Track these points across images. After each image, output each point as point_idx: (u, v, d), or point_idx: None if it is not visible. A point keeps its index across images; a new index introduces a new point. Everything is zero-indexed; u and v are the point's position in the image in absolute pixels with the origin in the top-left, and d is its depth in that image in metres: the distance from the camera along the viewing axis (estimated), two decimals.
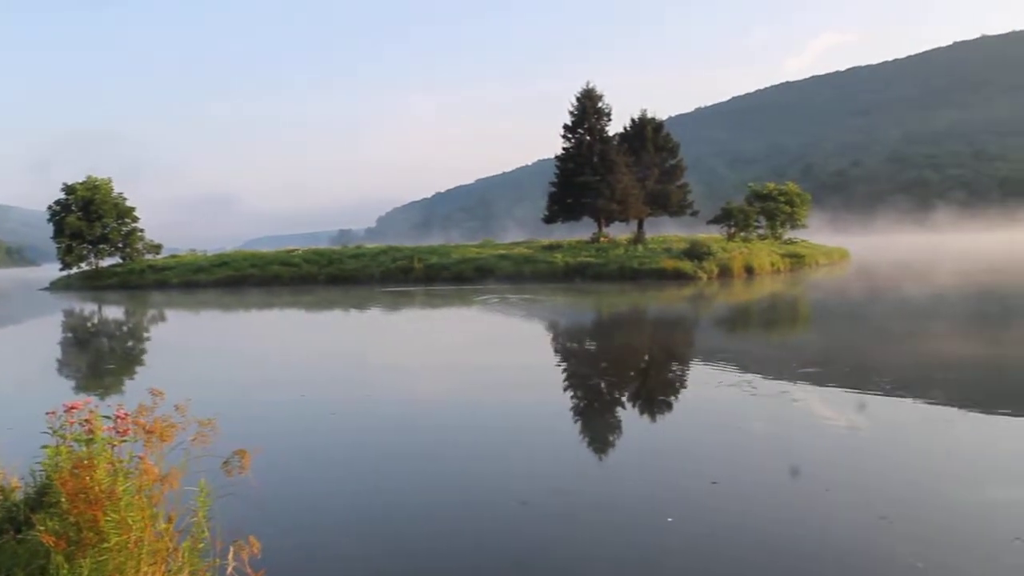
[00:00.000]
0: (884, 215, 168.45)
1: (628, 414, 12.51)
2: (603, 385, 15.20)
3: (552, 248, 53.23)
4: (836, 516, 7.28)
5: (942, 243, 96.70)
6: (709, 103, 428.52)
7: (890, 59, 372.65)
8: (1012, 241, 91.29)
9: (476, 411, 12.79)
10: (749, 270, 45.94)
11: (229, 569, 4.72)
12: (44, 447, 4.92)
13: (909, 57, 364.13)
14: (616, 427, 11.54)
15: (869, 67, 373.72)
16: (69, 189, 62.75)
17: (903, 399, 12.20)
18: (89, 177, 63.48)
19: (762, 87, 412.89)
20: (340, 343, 23.76)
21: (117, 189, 64.62)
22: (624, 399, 13.74)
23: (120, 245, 63.84)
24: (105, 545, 4.18)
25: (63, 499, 4.27)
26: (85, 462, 4.43)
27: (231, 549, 4.70)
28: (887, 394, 12.54)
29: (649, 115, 62.05)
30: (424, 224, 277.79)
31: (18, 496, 5.41)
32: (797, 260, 52.91)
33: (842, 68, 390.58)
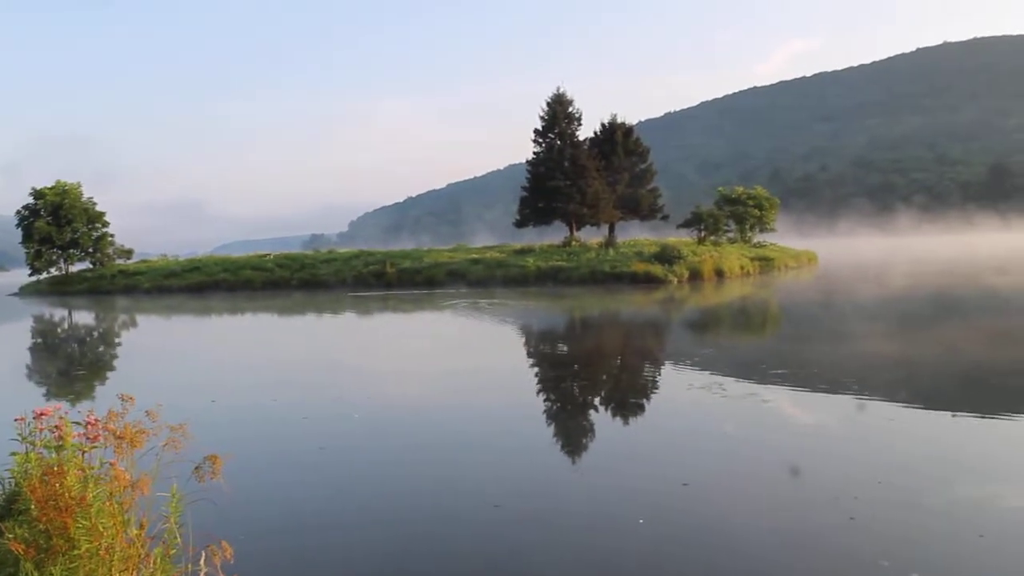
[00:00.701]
0: (850, 218, 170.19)
1: (600, 417, 12.58)
2: (575, 388, 15.28)
3: (524, 252, 53.28)
4: (805, 516, 7.39)
5: (906, 246, 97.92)
6: (678, 108, 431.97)
7: (855, 65, 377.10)
8: (972, 244, 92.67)
9: (449, 415, 12.81)
10: (719, 273, 46.30)
11: (202, 574, 4.73)
12: (13, 454, 4.90)
13: (874, 63, 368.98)
14: (588, 430, 11.61)
15: (835, 73, 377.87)
16: (38, 194, 62.07)
17: (872, 399, 12.35)
18: (58, 182, 62.81)
19: (730, 92, 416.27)
20: (312, 348, 23.68)
21: (87, 194, 64.06)
22: (596, 402, 13.82)
23: (90, 250, 63.23)
24: (75, 552, 4.17)
25: (33, 506, 4.25)
26: (55, 468, 4.41)
27: (203, 554, 4.71)
28: (856, 395, 12.70)
29: (619, 120, 62.38)
30: (396, 228, 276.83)
31: None
32: (766, 263, 53.39)
33: (808, 74, 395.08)
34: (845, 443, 10.08)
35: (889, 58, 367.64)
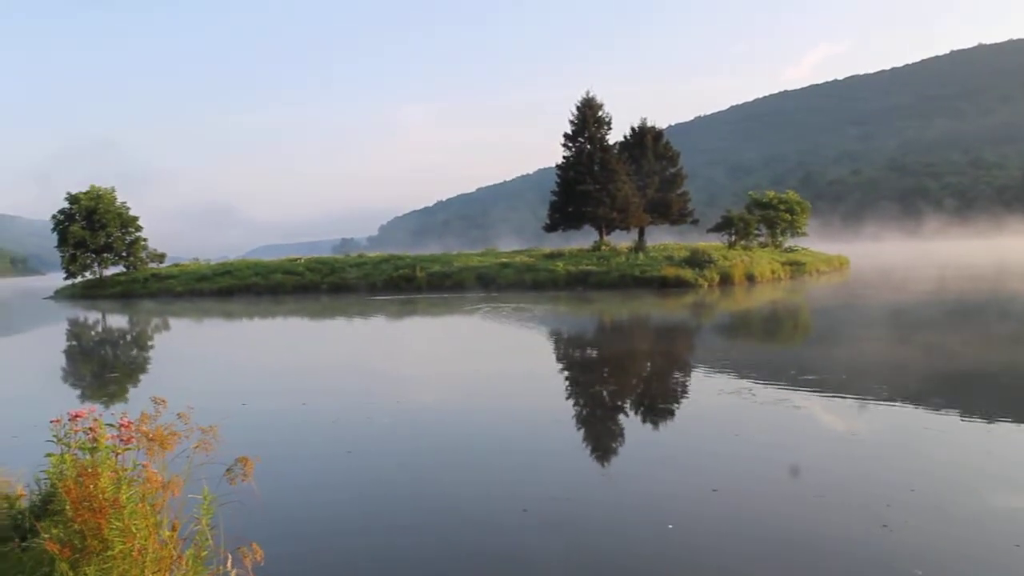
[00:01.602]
0: (883, 223, 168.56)
1: (629, 421, 12.53)
2: (604, 393, 15.22)
3: (553, 256, 53.19)
4: (836, 524, 7.31)
5: (940, 251, 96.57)
6: (708, 112, 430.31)
7: (887, 68, 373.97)
8: (1007, 248, 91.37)
9: (477, 418, 12.82)
10: (750, 278, 45.97)
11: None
12: (49, 455, 4.97)
13: (907, 66, 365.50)
14: (617, 434, 11.57)
15: (867, 76, 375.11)
16: (73, 199, 62.90)
17: (903, 407, 12.23)
18: (92, 187, 63.63)
19: (760, 96, 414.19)
20: (342, 352, 23.79)
21: (120, 198, 64.83)
22: (625, 406, 13.77)
23: (124, 254, 64.02)
24: (109, 553, 4.22)
25: (68, 507, 4.32)
26: (89, 470, 4.47)
27: (232, 557, 4.74)
28: (886, 401, 12.57)
29: (649, 124, 62.28)
30: (425, 232, 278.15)
31: (23, 504, 5.46)
32: (798, 268, 52.92)
33: (840, 77, 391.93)
34: (877, 450, 9.97)
35: (922, 61, 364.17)
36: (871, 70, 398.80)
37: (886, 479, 8.53)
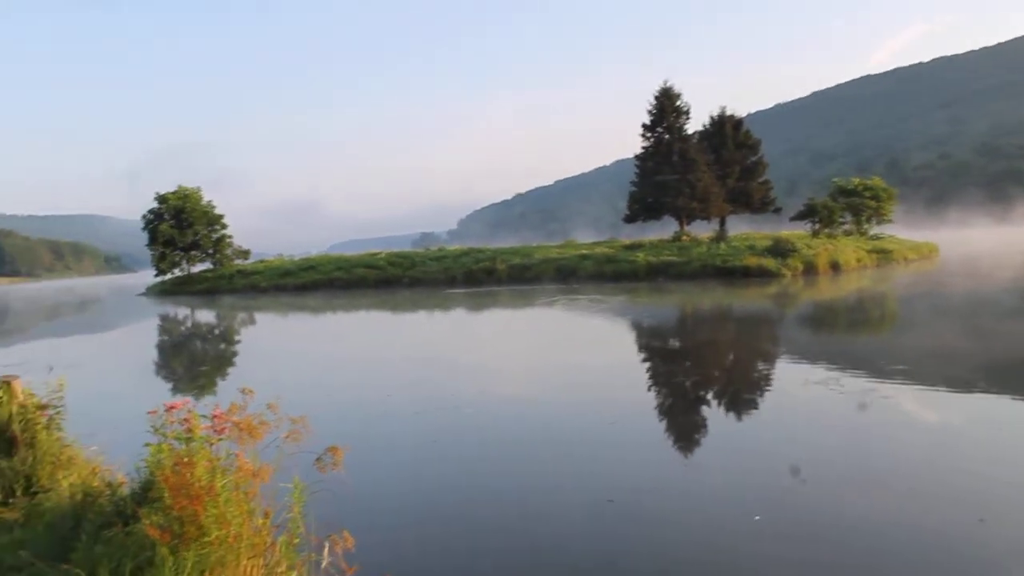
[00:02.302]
0: (974, 208, 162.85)
1: (712, 412, 12.37)
2: (687, 383, 15.07)
3: (633, 247, 52.85)
4: (930, 517, 7.11)
5: None
6: (789, 99, 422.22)
7: (976, 48, 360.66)
8: None
9: (561, 409, 12.80)
10: (835, 266, 44.93)
11: (324, 563, 4.85)
12: (147, 445, 5.13)
13: (997, 45, 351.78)
14: (700, 425, 11.44)
15: (954, 57, 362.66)
16: (161, 199, 64.84)
17: (1000, 396, 11.85)
18: (180, 187, 65.52)
19: (843, 81, 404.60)
20: (424, 344, 24.00)
21: (206, 197, 66.57)
22: (709, 397, 13.60)
23: (210, 251, 65.80)
24: (206, 539, 4.34)
25: (166, 494, 4.45)
26: (185, 459, 4.61)
27: (326, 544, 4.83)
28: (979, 392, 12.19)
29: (728, 112, 61.39)
30: (503, 226, 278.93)
31: (125, 491, 5.65)
32: (884, 256, 51.53)
33: (926, 59, 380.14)
34: (970, 441, 9.67)
35: (1013, 39, 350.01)
36: (959, 51, 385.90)
37: (980, 471, 8.26)
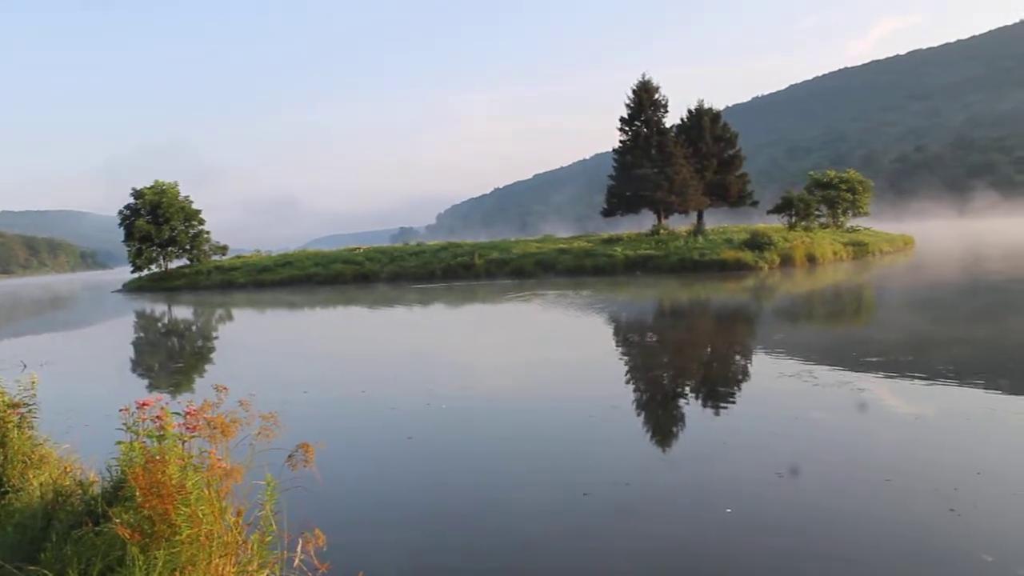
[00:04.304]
0: (950, 200, 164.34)
1: (689, 406, 12.42)
2: (664, 377, 15.14)
3: (611, 242, 52.99)
4: (903, 508, 7.19)
5: (1007, 229, 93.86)
6: (766, 92, 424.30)
7: (952, 41, 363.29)
8: None
9: (537, 404, 12.82)
10: (811, 259, 45.31)
11: (296, 561, 4.85)
12: (119, 443, 5.11)
13: (973, 37, 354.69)
14: (677, 419, 11.49)
15: (931, 50, 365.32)
16: (138, 194, 64.39)
17: (971, 388, 11.97)
18: (156, 182, 65.03)
19: (820, 74, 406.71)
20: (401, 340, 23.97)
21: (184, 193, 66.15)
22: (685, 391, 13.66)
23: (188, 247, 65.47)
24: (177, 538, 4.33)
25: (137, 493, 4.43)
26: (157, 457, 4.59)
27: (299, 542, 4.84)
28: (953, 383, 12.32)
29: (706, 105, 61.57)
30: (482, 220, 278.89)
31: (96, 490, 5.63)
32: (860, 248, 51.92)
33: (902, 52, 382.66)
34: (943, 433, 9.77)
35: (989, 32, 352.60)
36: (935, 43, 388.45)
37: (952, 462, 8.37)
